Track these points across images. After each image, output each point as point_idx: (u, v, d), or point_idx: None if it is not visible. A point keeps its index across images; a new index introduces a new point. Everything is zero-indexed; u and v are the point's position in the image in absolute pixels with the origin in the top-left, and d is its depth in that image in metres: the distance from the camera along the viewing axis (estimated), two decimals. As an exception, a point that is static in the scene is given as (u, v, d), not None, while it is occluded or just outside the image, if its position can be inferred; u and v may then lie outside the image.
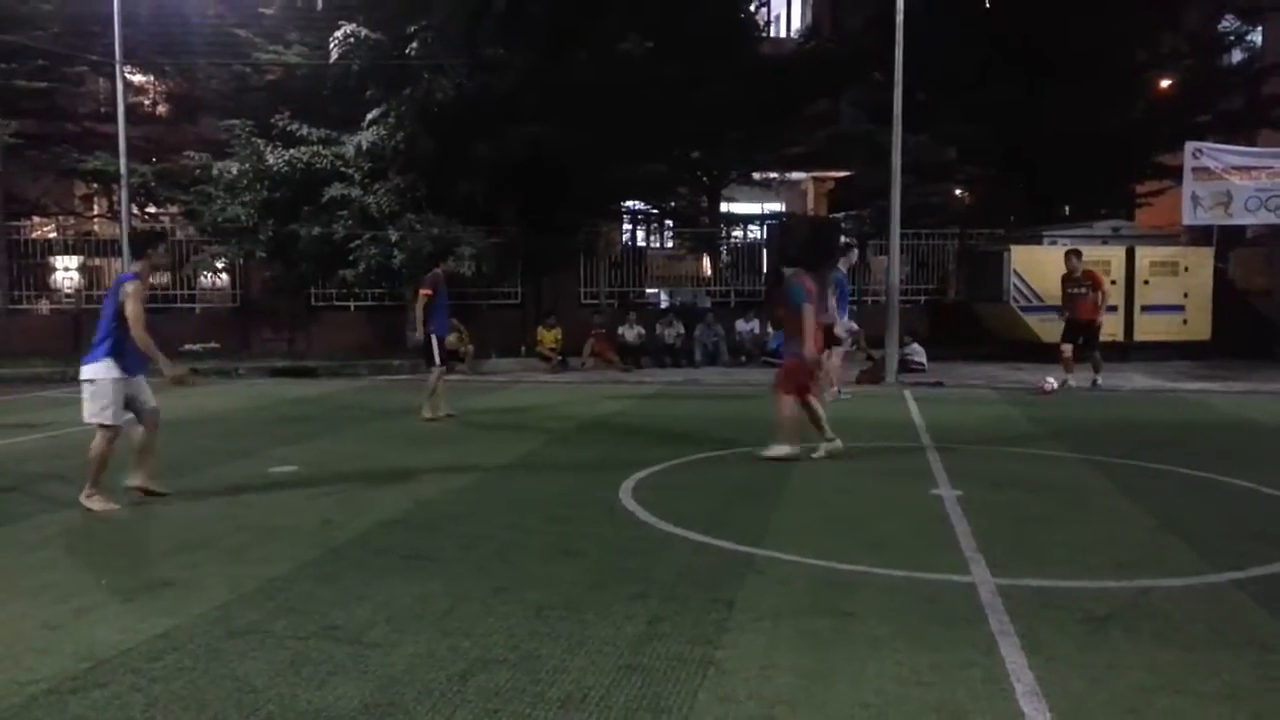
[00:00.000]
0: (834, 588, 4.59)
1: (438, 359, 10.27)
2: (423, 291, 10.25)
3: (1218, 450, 8.53)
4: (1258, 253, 17.98)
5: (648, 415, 11.10)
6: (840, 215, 23.48)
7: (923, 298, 20.16)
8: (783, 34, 28.00)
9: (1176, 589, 4.60)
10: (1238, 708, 3.31)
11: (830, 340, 11.97)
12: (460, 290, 17.03)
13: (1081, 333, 12.84)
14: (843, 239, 14.59)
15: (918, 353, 15.52)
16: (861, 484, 7.08)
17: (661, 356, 16.67)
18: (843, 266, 12.16)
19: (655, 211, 24.28)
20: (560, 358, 16.38)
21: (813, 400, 7.97)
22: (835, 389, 12.06)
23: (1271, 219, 16.66)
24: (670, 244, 24.96)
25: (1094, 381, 12.86)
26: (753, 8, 21.98)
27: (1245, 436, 9.43)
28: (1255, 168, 16.54)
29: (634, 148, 18.63)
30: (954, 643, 3.88)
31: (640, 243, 24.76)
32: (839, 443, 7.96)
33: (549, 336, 16.64)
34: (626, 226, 24.31)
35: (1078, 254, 13.18)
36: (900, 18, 13.93)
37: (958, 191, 24.39)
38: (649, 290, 21.37)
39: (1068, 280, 13.02)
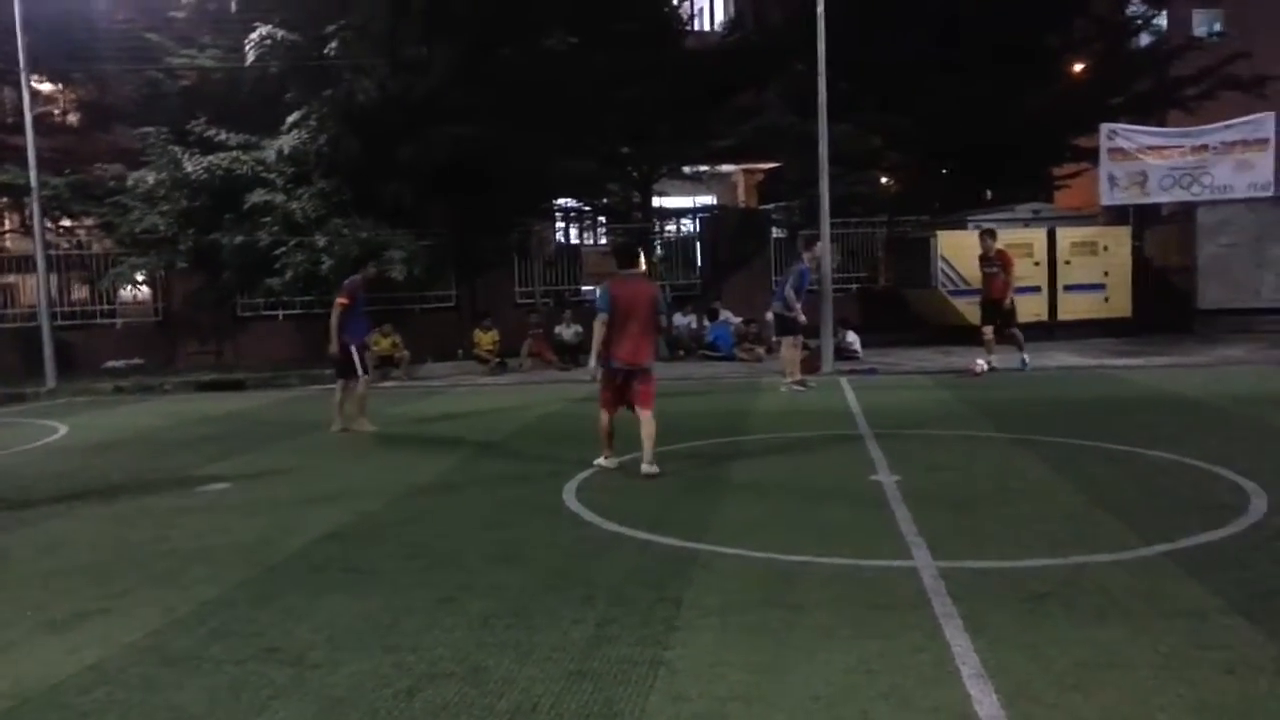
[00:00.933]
0: (780, 580, 4.61)
1: (360, 369, 9.82)
2: (339, 301, 9.72)
3: (1142, 425, 8.78)
4: (1173, 230, 18.55)
5: (588, 414, 10.90)
6: (770, 206, 23.70)
7: (854, 286, 20.42)
8: (707, 27, 28.11)
9: (1111, 564, 4.72)
10: (1175, 676, 3.41)
11: (787, 329, 12.17)
12: (392, 295, 16.81)
13: (997, 313, 13.13)
14: (800, 231, 14.75)
15: (852, 341, 15.72)
16: (802, 474, 7.13)
17: (599, 354, 16.62)
18: (806, 259, 12.30)
19: (588, 209, 24.19)
20: (498, 359, 16.23)
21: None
22: (791, 379, 12.18)
23: (1185, 196, 17.24)
24: (604, 240, 24.89)
25: (1022, 361, 13.15)
26: (676, 1, 21.98)
27: (1168, 410, 9.72)
28: (1167, 147, 17.11)
29: (563, 145, 18.49)
30: (900, 629, 3.93)
31: (574, 240, 24.67)
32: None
33: (486, 338, 16.47)
34: (559, 224, 24.18)
35: (991, 234, 13.46)
36: (821, 8, 14.07)
37: (884, 180, 24.77)
38: (584, 288, 21.29)
39: (983, 260, 13.31)
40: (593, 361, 7.23)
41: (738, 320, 16.97)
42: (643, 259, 7.72)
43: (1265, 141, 16.69)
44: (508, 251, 18.83)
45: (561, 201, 23.21)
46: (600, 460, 7.39)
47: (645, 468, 7.06)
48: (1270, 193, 16.86)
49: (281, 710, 3.37)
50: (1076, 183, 23.45)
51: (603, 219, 24.68)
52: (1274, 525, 5.24)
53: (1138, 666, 3.50)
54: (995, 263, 13.11)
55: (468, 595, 4.53)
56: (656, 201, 23.97)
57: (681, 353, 17.04)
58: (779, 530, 5.52)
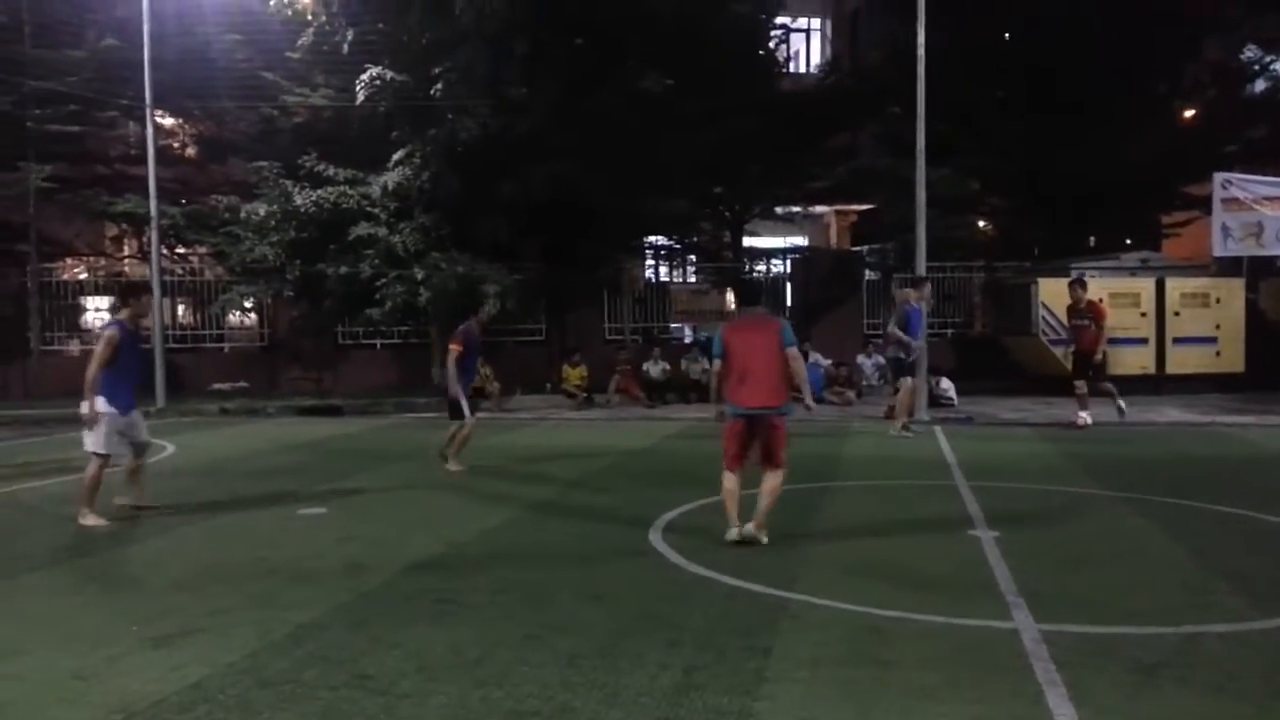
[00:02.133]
0: (872, 634, 4.49)
1: (467, 413, 9.78)
2: (454, 347, 9.71)
3: (1258, 487, 8.35)
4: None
5: (675, 453, 11.02)
6: (864, 248, 23.46)
7: (949, 331, 20.01)
8: (803, 69, 28.17)
9: (1226, 636, 4.47)
10: (1300, 764, 3.20)
11: (902, 370, 12.04)
12: (486, 328, 17.12)
13: (1088, 366, 12.64)
14: (895, 274, 14.55)
15: (947, 388, 15.37)
16: (896, 524, 6.96)
17: (687, 392, 16.58)
18: (915, 300, 12.18)
19: (678, 246, 24.33)
20: (585, 394, 16.34)
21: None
22: (900, 424, 11.97)
23: (1304, 249, 16.46)
24: (693, 279, 24.97)
25: (1119, 408, 12.63)
26: (772, 45, 22.10)
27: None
28: (1285, 198, 16.37)
29: (656, 184, 18.70)
30: (999, 693, 3.78)
31: (664, 278, 24.81)
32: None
33: (574, 374, 16.62)
34: (650, 262, 24.37)
35: (1082, 284, 13.00)
36: (921, 51, 13.95)
37: (981, 224, 24.30)
38: (673, 325, 21.34)
39: (1072, 311, 12.85)
40: (712, 402, 6.83)
41: (828, 363, 16.77)
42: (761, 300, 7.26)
43: (1394, 193, 15.85)
44: (598, 288, 19.02)
45: (652, 239, 23.41)
46: (731, 533, 6.26)
47: (749, 529, 6.24)
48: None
49: (372, 740, 3.41)
50: (1187, 231, 22.59)
51: (693, 257, 24.81)
52: None
53: (1261, 750, 3.30)
54: (1086, 314, 12.63)
55: (554, 633, 4.53)
56: (747, 241, 24.01)
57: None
58: (871, 582, 5.38)
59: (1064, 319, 15.43)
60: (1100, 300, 13.38)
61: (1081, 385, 12.64)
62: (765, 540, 6.21)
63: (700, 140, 18.23)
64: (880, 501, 7.87)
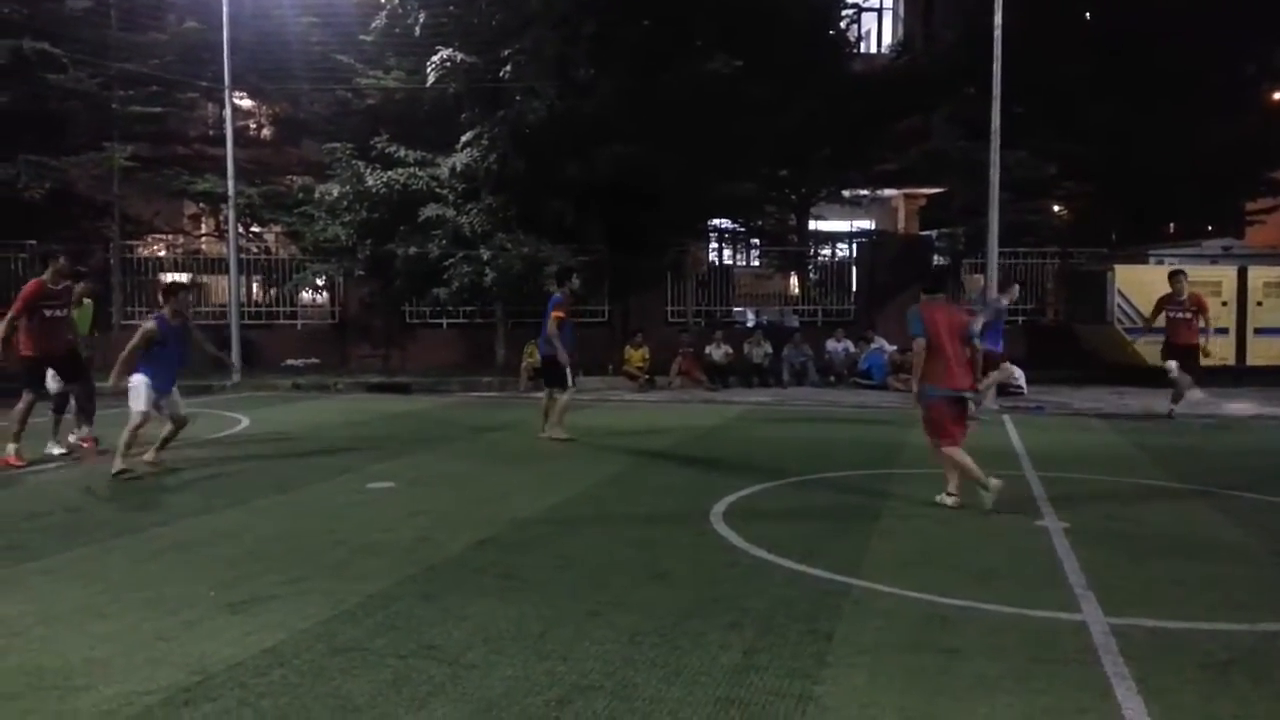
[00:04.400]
0: (937, 622, 4.45)
1: (571, 380, 10.20)
2: (558, 315, 10.05)
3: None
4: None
5: (736, 436, 11.01)
6: (932, 233, 23.06)
7: (1020, 318, 19.59)
8: (874, 49, 27.69)
9: (1303, 633, 4.34)
10: (1383, 769, 3.10)
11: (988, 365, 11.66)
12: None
13: (1180, 357, 12.04)
14: (963, 259, 14.10)
15: (1017, 376, 15.05)
16: (962, 513, 6.86)
17: (749, 376, 16.55)
18: (1004, 299, 11.92)
19: (743, 230, 24.19)
20: (647, 376, 16.40)
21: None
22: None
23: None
24: (757, 262, 24.82)
25: (1170, 411, 12.11)
26: (843, 25, 21.76)
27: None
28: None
29: (722, 167, 18.60)
30: (1067, 685, 3.72)
31: (727, 261, 24.70)
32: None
33: (636, 355, 16.68)
34: (714, 245, 24.28)
35: (1183, 274, 12.44)
36: (998, 32, 13.63)
37: (1056, 209, 23.69)
38: (736, 309, 21.27)
39: (1170, 302, 12.18)
40: (914, 389, 7.19)
41: (892, 349, 16.56)
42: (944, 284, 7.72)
43: None
44: (661, 270, 19.03)
45: (717, 222, 23.31)
46: (945, 499, 6.92)
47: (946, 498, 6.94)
48: None
49: (439, 708, 3.50)
50: (1271, 219, 21.76)
51: (757, 240, 24.65)
52: None
53: (1340, 751, 3.21)
54: (1189, 307, 12.03)
55: (616, 610, 4.58)
56: (813, 225, 23.77)
57: (833, 379, 16.76)
58: (936, 570, 5.33)
59: (1140, 308, 15.01)
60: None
61: (1173, 365, 11.99)
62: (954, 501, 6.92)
63: (768, 123, 18.08)
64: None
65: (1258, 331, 15.96)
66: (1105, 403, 13.98)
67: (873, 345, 16.88)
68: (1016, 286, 12.26)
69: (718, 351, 16.82)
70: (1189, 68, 18.86)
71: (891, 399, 14.47)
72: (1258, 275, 16.10)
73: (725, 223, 24.01)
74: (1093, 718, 3.46)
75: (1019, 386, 14.87)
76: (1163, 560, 5.63)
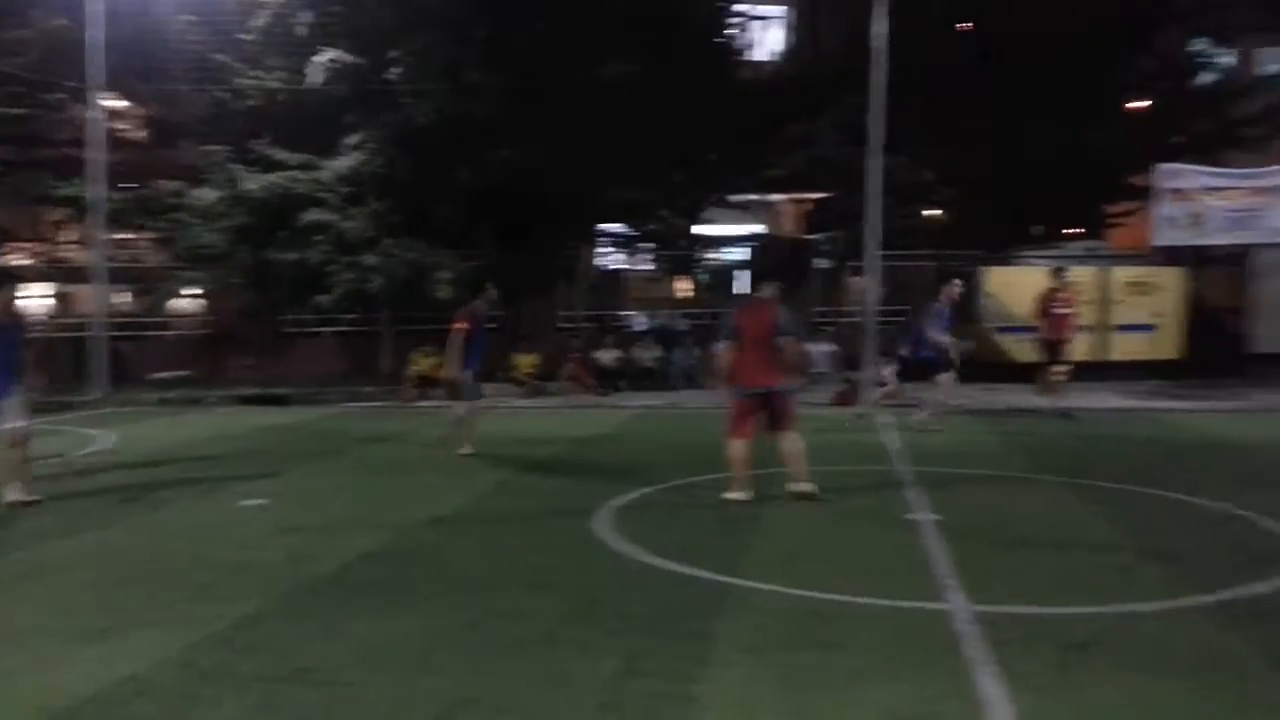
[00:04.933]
0: (814, 618, 4.56)
1: (472, 396, 9.84)
2: (458, 326, 9.63)
3: (1189, 471, 8.56)
4: (1228, 272, 18.16)
5: (625, 441, 11.06)
6: (818, 236, 23.64)
7: (901, 319, 20.23)
8: (762, 57, 28.23)
9: (1154, 614, 4.60)
10: (1217, 738, 3.31)
11: (937, 367, 11.86)
12: (436, 315, 17.01)
13: (1058, 351, 12.66)
14: (846, 262, 14.32)
15: (893, 374, 15.53)
16: (840, 510, 7.06)
17: (639, 380, 16.64)
18: (943, 299, 11.83)
19: (634, 234, 24.32)
20: (536, 382, 16.31)
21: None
22: (925, 413, 11.91)
23: (1243, 239, 16.87)
24: (648, 266, 24.99)
25: (1063, 409, 12.71)
26: (733, 32, 22.11)
27: (1218, 456, 9.48)
28: (1226, 188, 16.76)
29: (615, 171, 18.68)
30: (933, 674, 3.86)
31: (618, 265, 24.80)
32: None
33: (525, 361, 16.56)
34: (605, 249, 24.34)
35: (1064, 271, 13.07)
36: (878, 41, 14.06)
37: (935, 213, 24.58)
38: (627, 313, 21.37)
39: (1051, 298, 12.76)
40: (722, 388, 7.44)
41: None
42: (771, 284, 7.74)
43: (1328, 184, 16.31)
44: (552, 274, 18.97)
45: (608, 226, 23.38)
46: (732, 494, 7.19)
47: (798, 486, 7.22)
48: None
49: (311, 730, 3.40)
50: (1130, 221, 23.07)
51: (648, 244, 24.80)
52: (1327, 582, 5.08)
53: (1178, 723, 3.41)
54: (1068, 303, 12.72)
55: (499, 621, 4.54)
56: (703, 229, 24.07)
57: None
58: (815, 567, 5.46)
59: (1008, 307, 15.71)
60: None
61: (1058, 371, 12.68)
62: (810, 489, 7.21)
63: (659, 128, 18.23)
64: (825, 488, 7.94)
65: (1118, 328, 16.88)
66: (975, 398, 14.55)
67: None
68: (956, 282, 12.48)
69: (608, 356, 16.87)
70: (1060, 77, 19.84)
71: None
72: (1118, 275, 17.03)
73: (617, 227, 24.10)
74: (955, 703, 3.59)
75: (896, 384, 15.35)
76: (1027, 549, 5.90)
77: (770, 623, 4.49)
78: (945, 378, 11.92)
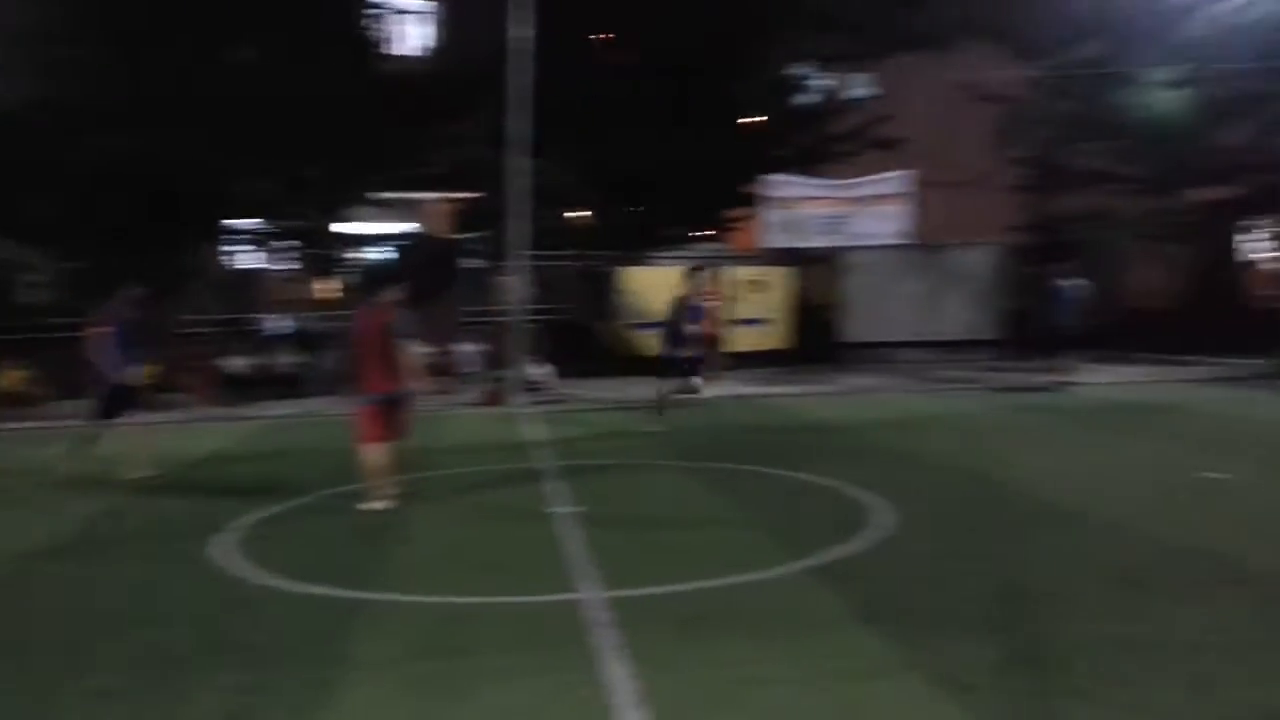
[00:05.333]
0: (450, 624, 4.53)
1: (108, 409, 8.75)
2: (99, 331, 8.61)
3: (792, 448, 9.56)
4: (825, 271, 20.62)
5: (257, 454, 10.32)
6: (469, 236, 23.62)
7: (547, 318, 20.80)
8: (409, 53, 27.64)
9: (761, 582, 5.08)
10: (814, 686, 3.71)
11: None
12: (31, 322, 14.82)
13: (705, 347, 13.50)
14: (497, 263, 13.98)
15: (542, 372, 15.96)
16: (481, 510, 7.10)
17: (277, 387, 15.62)
18: (690, 293, 11.42)
19: (270, 231, 22.82)
20: (154, 394, 14.74)
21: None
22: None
23: (835, 242, 19.26)
24: (288, 266, 23.58)
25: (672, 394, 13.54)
26: (372, 24, 21.40)
27: (820, 434, 10.71)
28: (821, 197, 19.06)
29: (244, 163, 17.39)
30: (566, 664, 3.98)
31: (253, 265, 23.16)
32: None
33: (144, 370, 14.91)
34: (237, 247, 22.61)
35: (702, 269, 13.92)
36: (518, 45, 14.27)
37: (578, 215, 25.52)
38: (263, 316, 20.01)
39: (691, 296, 13.51)
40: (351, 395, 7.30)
41: (429, 351, 16.65)
42: (391, 288, 7.60)
43: (902, 196, 19.08)
44: (174, 276, 17.27)
45: (240, 222, 21.76)
46: (371, 504, 6.99)
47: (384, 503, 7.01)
48: (905, 241, 19.26)
49: None
50: (746, 225, 25.49)
51: (286, 243, 23.42)
52: (893, 539, 5.90)
53: (781, 681, 3.78)
54: (709, 300, 13.48)
55: (95, 668, 4.03)
56: (347, 227, 23.13)
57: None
58: (453, 571, 5.44)
59: (643, 305, 16.68)
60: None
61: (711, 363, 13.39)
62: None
63: (295, 118, 17.21)
64: (468, 488, 7.98)
65: (739, 322, 18.56)
66: (617, 392, 15.34)
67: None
68: (702, 274, 12.51)
69: (241, 363, 15.67)
70: (684, 90, 21.40)
71: (421, 402, 14.52)
72: (737, 274, 18.73)
73: (250, 223, 22.48)
74: (586, 691, 3.73)
75: (544, 383, 15.79)
76: (656, 532, 6.30)
77: (403, 635, 4.40)
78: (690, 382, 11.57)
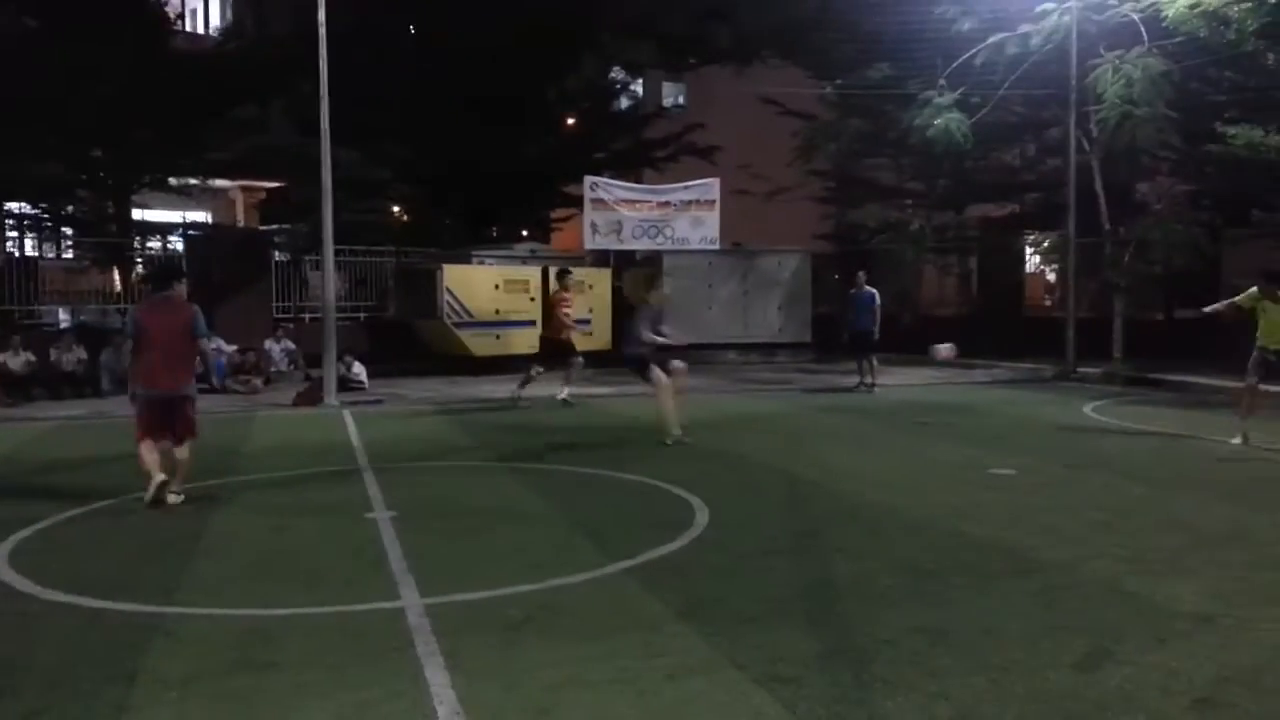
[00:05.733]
0: (257, 638, 4.28)
1: None
2: None
3: (611, 448, 9.67)
4: (643, 273, 20.91)
5: (37, 460, 9.42)
6: (273, 228, 22.53)
7: (362, 315, 20.12)
8: (200, 29, 26.04)
9: (582, 584, 5.09)
10: (630, 687, 3.72)
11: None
12: None
13: (567, 348, 13.58)
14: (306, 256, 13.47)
15: (358, 372, 15.42)
16: (295, 517, 6.76)
17: (59, 387, 14.31)
18: (653, 300, 10.58)
19: (48, 217, 20.96)
20: (-85, 394, 13.25)
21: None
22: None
23: (653, 245, 19.60)
24: (69, 254, 21.74)
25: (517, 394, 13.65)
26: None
27: (631, 434, 10.82)
28: (638, 201, 19.34)
29: (16, 142, 15.85)
30: (382, 675, 3.85)
31: (31, 253, 21.24)
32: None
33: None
34: (12, 233, 20.66)
35: (569, 273, 14.08)
36: (323, 29, 13.67)
37: (395, 210, 24.84)
38: (43, 308, 18.36)
39: (561, 298, 13.67)
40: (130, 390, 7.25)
41: (231, 349, 15.76)
42: (180, 282, 7.63)
43: (713, 202, 19.63)
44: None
45: (15, 206, 19.90)
46: (148, 494, 6.87)
47: (173, 497, 6.93)
48: (717, 246, 19.83)
49: None
50: (568, 225, 25.61)
51: (69, 229, 21.62)
52: (711, 537, 6.05)
53: (599, 683, 3.78)
54: (569, 302, 13.68)
55: None
56: (137, 214, 21.54)
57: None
58: (262, 582, 5.15)
59: (465, 303, 16.51)
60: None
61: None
62: (182, 498, 6.99)
63: (74, 95, 15.86)
64: (280, 493, 7.61)
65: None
66: (438, 392, 15.05)
67: (211, 345, 15.84)
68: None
69: (16, 360, 14.27)
70: (503, 88, 21.19)
71: (232, 403, 13.76)
72: (575, 276, 18.71)
73: (26, 207, 20.58)
74: (404, 702, 3.61)
75: (360, 382, 15.28)
76: (477, 535, 6.20)
77: (206, 650, 4.12)
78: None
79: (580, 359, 13.90)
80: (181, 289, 7.60)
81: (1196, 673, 3.80)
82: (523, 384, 13.53)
